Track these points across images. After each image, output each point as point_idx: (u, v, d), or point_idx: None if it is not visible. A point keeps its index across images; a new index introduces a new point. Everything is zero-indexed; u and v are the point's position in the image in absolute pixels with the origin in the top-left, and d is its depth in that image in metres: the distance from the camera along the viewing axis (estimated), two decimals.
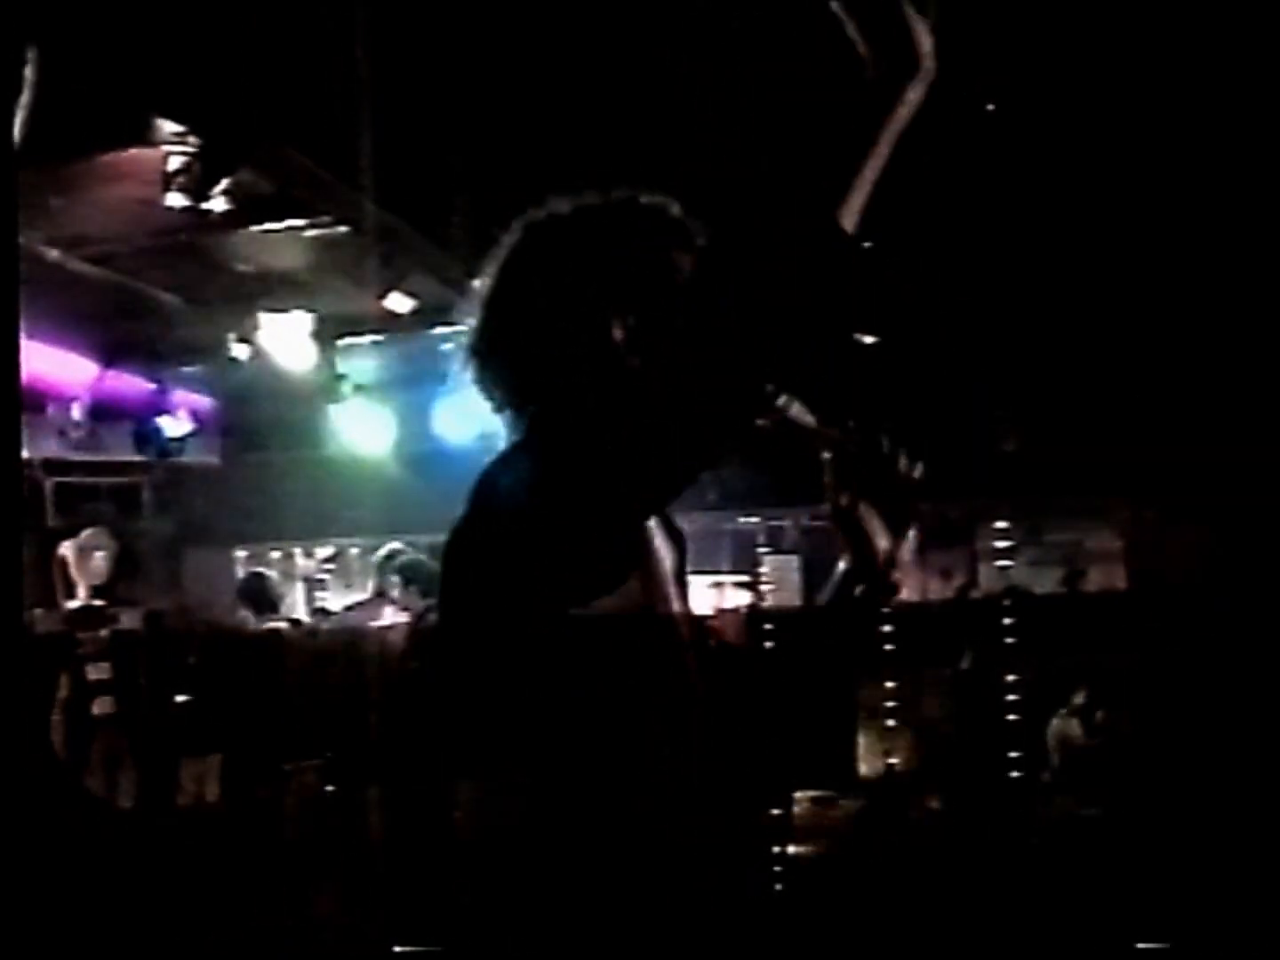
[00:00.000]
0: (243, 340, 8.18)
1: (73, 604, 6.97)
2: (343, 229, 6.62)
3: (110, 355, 8.63)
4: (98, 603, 6.99)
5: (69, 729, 6.63)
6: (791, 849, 4.78)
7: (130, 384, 8.87)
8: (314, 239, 6.79)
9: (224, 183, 5.77)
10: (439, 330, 7.75)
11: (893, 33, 1.43)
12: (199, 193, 5.76)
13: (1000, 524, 9.09)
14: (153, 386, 8.97)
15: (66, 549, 7.03)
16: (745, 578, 9.56)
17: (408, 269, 7.26)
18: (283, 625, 7.78)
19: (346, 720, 6.53)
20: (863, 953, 4.82)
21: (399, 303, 7.50)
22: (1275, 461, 6.20)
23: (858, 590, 1.81)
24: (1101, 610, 7.77)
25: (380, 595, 7.42)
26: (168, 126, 5.45)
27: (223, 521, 9.35)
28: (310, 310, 8.13)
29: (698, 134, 5.03)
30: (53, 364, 8.09)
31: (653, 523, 1.66)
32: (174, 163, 5.68)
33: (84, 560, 7.01)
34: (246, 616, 7.46)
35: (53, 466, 8.45)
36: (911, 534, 1.81)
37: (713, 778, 1.67)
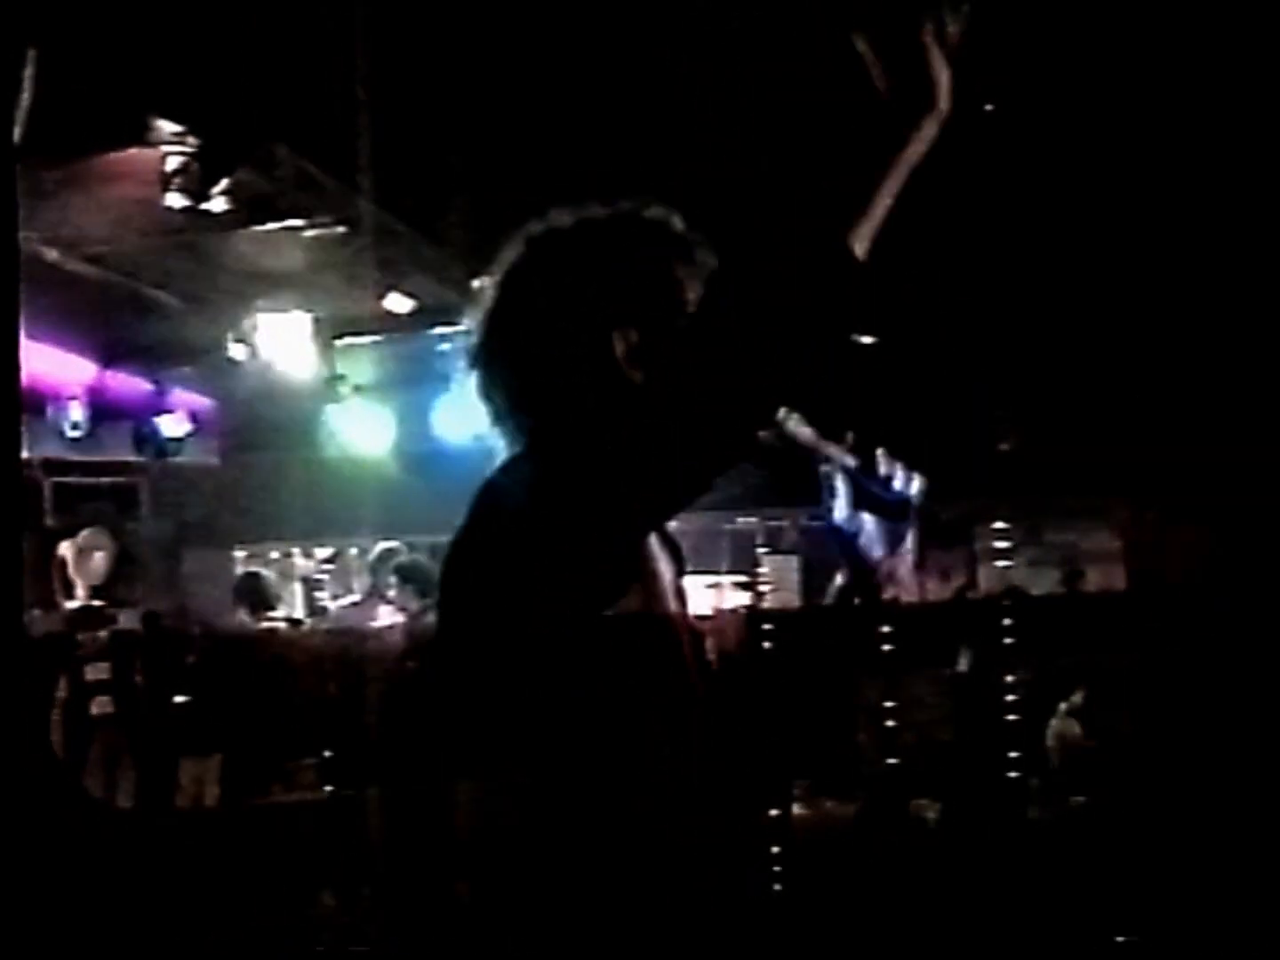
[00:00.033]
0: (241, 340, 8.18)
1: (71, 604, 6.97)
2: (341, 229, 6.62)
3: (109, 355, 8.64)
4: (96, 603, 6.99)
5: (68, 729, 6.64)
6: (791, 849, 4.78)
7: (129, 384, 8.87)
8: (313, 239, 6.80)
9: (223, 183, 5.77)
10: (438, 331, 7.76)
11: (911, 68, 1.44)
12: (198, 193, 5.76)
13: (999, 524, 9.10)
14: (151, 386, 8.98)
15: (65, 549, 7.03)
16: (744, 578, 9.56)
17: (406, 269, 7.26)
18: (279, 625, 7.77)
19: (344, 719, 6.53)
20: (862, 953, 4.83)
21: (398, 303, 7.50)
22: (1275, 461, 6.21)
23: (855, 603, 1.82)
24: (1101, 611, 7.77)
25: (375, 595, 7.42)
26: (167, 126, 5.45)
27: (221, 522, 9.34)
28: (309, 311, 8.13)
29: (698, 134, 5.04)
30: (52, 364, 8.09)
31: (651, 536, 1.66)
32: (173, 163, 5.68)
33: (83, 560, 7.01)
34: (242, 616, 7.45)
35: (51, 466, 8.45)
36: (909, 547, 1.81)
37: (712, 779, 1.67)
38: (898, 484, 1.79)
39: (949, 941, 4.92)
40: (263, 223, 6.49)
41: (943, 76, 1.46)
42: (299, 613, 9.41)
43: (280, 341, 8.15)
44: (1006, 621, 6.24)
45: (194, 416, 9.13)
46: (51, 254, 6.62)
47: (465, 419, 7.46)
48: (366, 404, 8.96)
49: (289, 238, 6.75)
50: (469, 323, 1.78)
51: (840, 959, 4.68)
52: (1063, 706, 7.20)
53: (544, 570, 1.49)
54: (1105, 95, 5.34)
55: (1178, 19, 4.89)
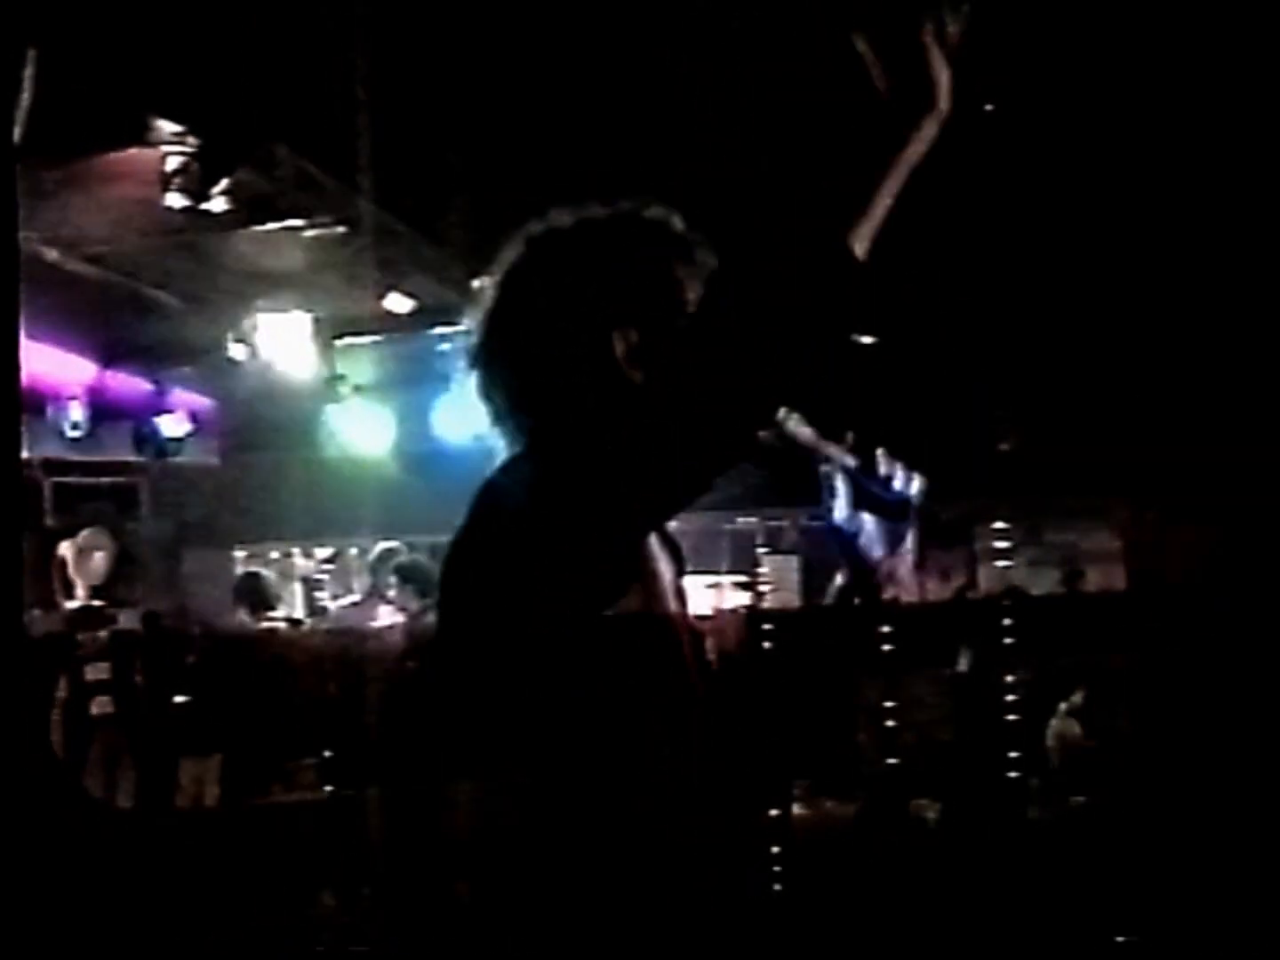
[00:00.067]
0: (241, 340, 8.18)
1: (71, 604, 6.97)
2: (341, 229, 6.62)
3: (109, 355, 8.64)
4: (96, 603, 6.99)
5: (68, 729, 6.63)
6: (791, 849, 4.78)
7: (129, 384, 8.87)
8: (313, 239, 6.80)
9: (223, 183, 5.77)
10: (438, 331, 7.76)
11: (911, 68, 1.44)
12: (198, 193, 5.76)
13: (999, 524, 9.10)
14: (151, 386, 8.98)
15: (65, 549, 7.03)
16: (744, 578, 9.56)
17: (406, 269, 7.26)
18: (279, 625, 7.77)
19: (344, 719, 6.53)
20: (862, 953, 4.83)
21: (397, 303, 7.50)
22: (1275, 461, 6.21)
23: (855, 603, 1.82)
24: (1101, 611, 7.77)
25: (375, 595, 7.42)
26: (166, 126, 5.45)
27: (221, 522, 9.34)
28: (309, 311, 8.13)
29: (698, 134, 5.04)
30: (52, 364, 8.09)
31: (651, 536, 1.67)
32: (173, 163, 5.68)
33: (83, 560, 7.01)
34: (242, 616, 7.45)
35: (51, 466, 8.45)
36: (909, 548, 1.81)
37: (712, 779, 1.67)
38: (898, 484, 1.79)
39: (949, 941, 4.92)
40: (263, 223, 6.49)
41: (943, 76, 1.46)
42: (299, 613, 9.41)
43: (280, 341, 8.15)
44: (1006, 621, 6.24)
45: (194, 416, 9.13)
46: (51, 254, 6.62)
47: (465, 419, 7.46)
48: (366, 404, 8.96)
49: (289, 238, 6.75)
50: (469, 323, 1.78)
51: (840, 959, 4.68)
52: (1063, 706, 7.21)
53: (544, 571, 1.49)
54: (1104, 95, 5.34)
55: (1176, 19, 4.89)
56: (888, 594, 1.83)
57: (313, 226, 6.62)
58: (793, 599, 9.19)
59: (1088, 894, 5.15)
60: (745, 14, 4.53)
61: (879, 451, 1.80)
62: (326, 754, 6.63)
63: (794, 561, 9.59)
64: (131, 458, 9.00)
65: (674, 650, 1.67)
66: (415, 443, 8.89)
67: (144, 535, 8.86)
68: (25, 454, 3.82)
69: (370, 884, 5.86)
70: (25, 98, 3.26)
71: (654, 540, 1.68)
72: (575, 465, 1.52)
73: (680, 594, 1.73)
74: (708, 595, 8.86)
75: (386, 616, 6.92)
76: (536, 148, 5.42)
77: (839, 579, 1.86)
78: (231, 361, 8.30)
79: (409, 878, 5.56)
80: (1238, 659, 5.82)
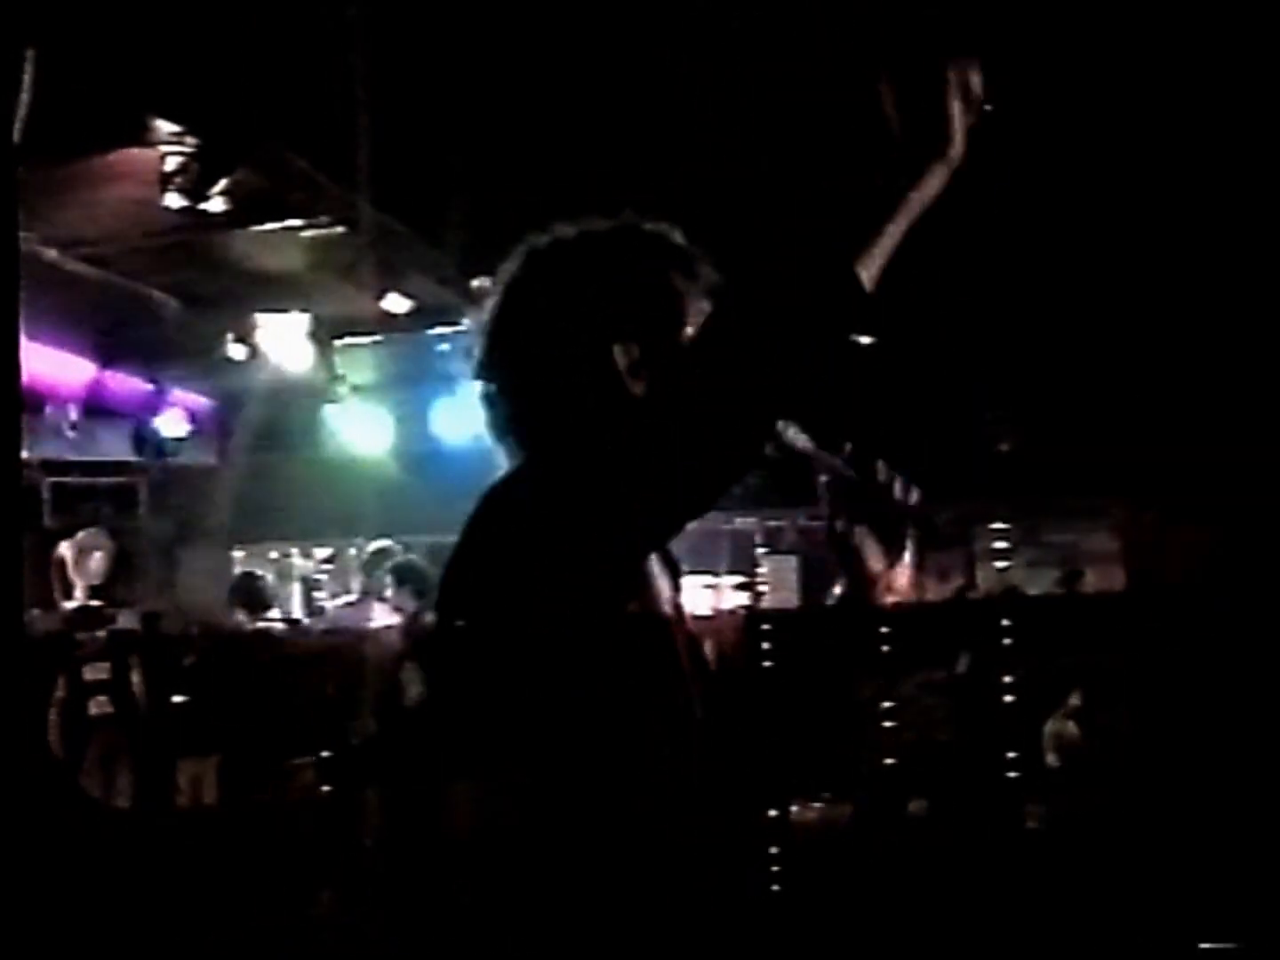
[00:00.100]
0: (240, 341, 8.18)
1: (70, 604, 6.96)
2: (340, 230, 6.62)
3: (108, 356, 8.63)
4: (95, 603, 6.99)
5: (67, 729, 6.63)
6: (790, 849, 4.78)
7: (128, 384, 8.87)
8: (312, 240, 6.80)
9: (222, 183, 5.77)
10: (437, 331, 7.77)
11: (927, 114, 1.45)
12: (197, 193, 5.76)
13: (999, 524, 9.10)
14: (150, 387, 8.97)
15: (64, 549, 7.02)
16: (743, 578, 9.56)
17: (405, 270, 7.26)
18: (276, 625, 7.77)
19: (343, 719, 6.52)
20: (862, 953, 4.83)
21: (396, 303, 7.50)
22: (1275, 461, 6.21)
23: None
24: (1100, 611, 7.77)
25: (369, 594, 7.41)
26: (165, 126, 5.45)
27: (220, 522, 9.34)
28: (308, 311, 8.13)
29: (706, 152, 5.04)
30: (51, 364, 8.09)
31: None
32: (171, 163, 5.68)
33: (82, 561, 7.00)
34: (239, 616, 7.44)
35: (50, 467, 8.45)
36: (908, 557, 1.82)
37: (711, 780, 1.67)
38: (897, 495, 1.79)
39: (948, 942, 4.92)
40: (262, 223, 6.50)
41: (960, 126, 1.47)
42: (297, 612, 9.41)
43: (280, 341, 8.15)
44: (1005, 622, 6.24)
45: (193, 416, 9.13)
46: (51, 254, 6.62)
47: (464, 419, 7.48)
48: (366, 404, 8.96)
49: (289, 238, 6.75)
50: (469, 330, 1.77)
51: (840, 959, 4.68)
52: (1061, 708, 7.21)
53: (544, 583, 1.50)
54: (1105, 98, 5.35)
55: (1176, 21, 4.89)
56: (886, 604, 1.83)
57: (312, 226, 6.62)
58: (791, 599, 9.20)
59: (1086, 894, 5.15)
60: (761, 39, 4.53)
61: (878, 463, 1.80)
62: (324, 754, 6.63)
63: (793, 561, 9.59)
64: (130, 458, 9.00)
65: (671, 657, 1.67)
66: (413, 443, 8.89)
67: (143, 535, 8.86)
68: (25, 454, 3.82)
69: (370, 884, 5.86)
70: (25, 98, 3.26)
71: (653, 556, 1.67)
72: (577, 478, 1.52)
73: (678, 610, 1.73)
74: (707, 595, 8.86)
75: (382, 616, 6.91)
76: (536, 149, 5.42)
77: (838, 589, 1.86)
78: (230, 361, 8.30)
79: (408, 878, 5.55)
80: (1237, 659, 5.82)
